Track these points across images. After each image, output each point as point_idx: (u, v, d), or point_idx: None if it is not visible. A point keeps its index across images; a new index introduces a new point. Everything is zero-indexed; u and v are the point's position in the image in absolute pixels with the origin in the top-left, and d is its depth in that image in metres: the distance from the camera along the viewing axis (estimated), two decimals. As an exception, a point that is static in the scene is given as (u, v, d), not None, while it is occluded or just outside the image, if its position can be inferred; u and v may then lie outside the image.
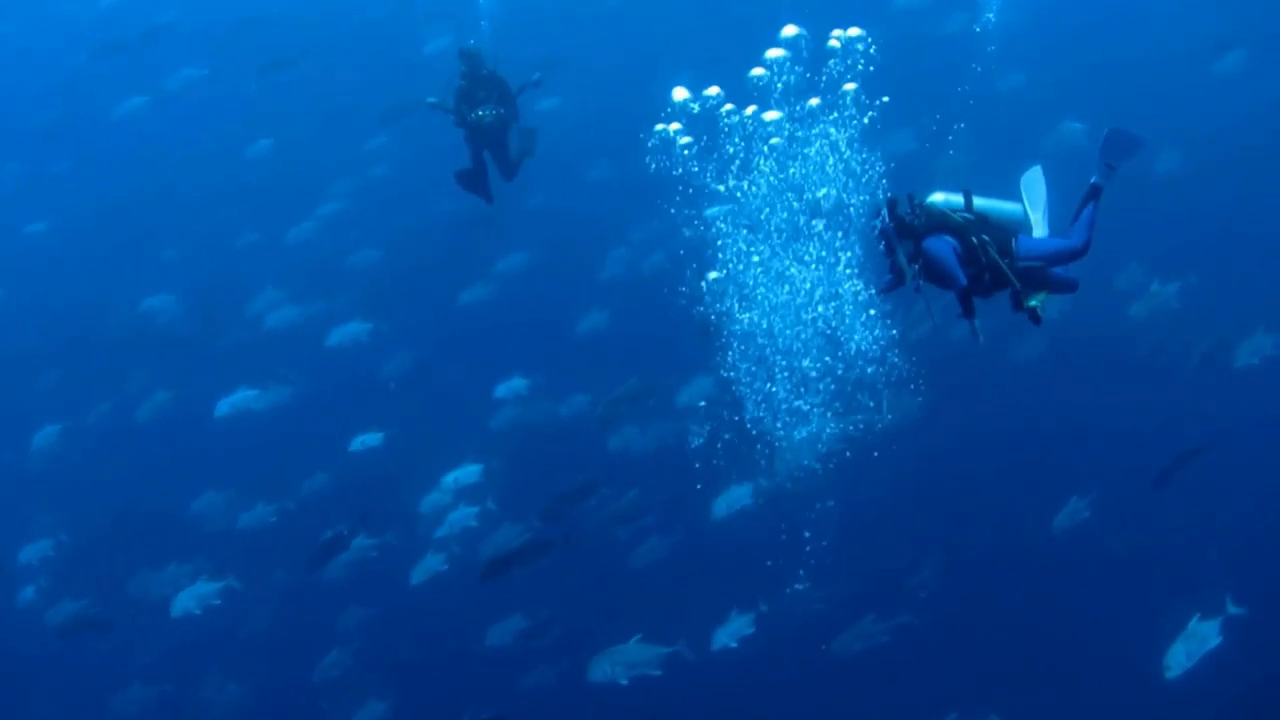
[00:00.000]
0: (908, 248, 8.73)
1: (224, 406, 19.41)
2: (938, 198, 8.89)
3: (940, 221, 8.74)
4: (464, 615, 17.22)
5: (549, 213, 23.58)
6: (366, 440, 19.25)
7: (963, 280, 8.48)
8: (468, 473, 17.48)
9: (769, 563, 16.09)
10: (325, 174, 24.83)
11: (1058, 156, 17.32)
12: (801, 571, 16.06)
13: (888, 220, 8.77)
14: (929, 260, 8.59)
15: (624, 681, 14.05)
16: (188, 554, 18.16)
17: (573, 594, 17.26)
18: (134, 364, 22.51)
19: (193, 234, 24.27)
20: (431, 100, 14.19)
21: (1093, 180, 9.14)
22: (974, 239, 8.63)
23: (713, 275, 10.72)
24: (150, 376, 21.78)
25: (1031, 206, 9.19)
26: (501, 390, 19.73)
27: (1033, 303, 8.50)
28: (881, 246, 8.84)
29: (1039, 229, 9.08)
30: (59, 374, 23.07)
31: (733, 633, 14.93)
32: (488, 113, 13.92)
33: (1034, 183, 9.31)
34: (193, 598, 16.68)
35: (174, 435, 20.84)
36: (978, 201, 8.89)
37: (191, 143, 26.28)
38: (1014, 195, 9.14)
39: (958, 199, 8.89)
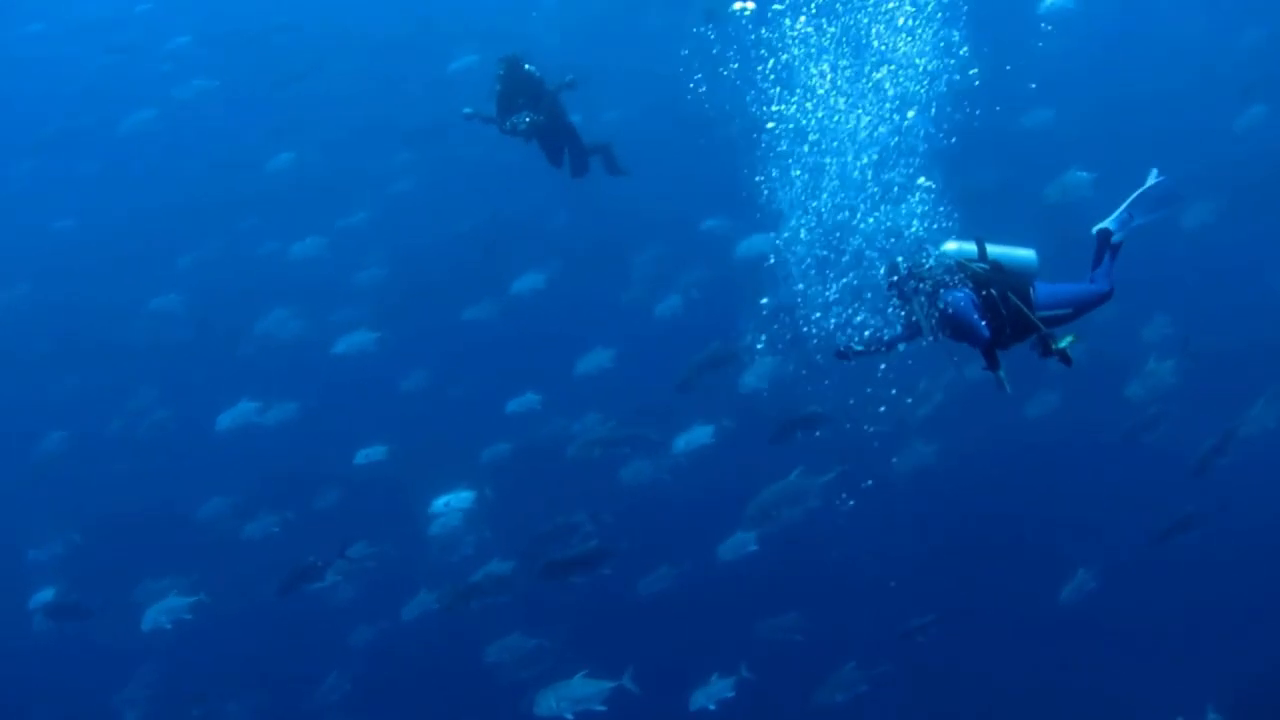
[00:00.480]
0: (922, 301, 8.35)
1: (225, 420, 19.31)
2: (950, 247, 8.52)
3: (958, 272, 8.36)
4: (462, 632, 17.01)
5: (571, 229, 23.60)
6: (371, 454, 19.09)
7: (985, 333, 8.10)
8: (460, 498, 17.29)
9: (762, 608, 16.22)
10: (346, 189, 24.85)
11: (1063, 207, 17.29)
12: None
13: (904, 271, 8.41)
14: (948, 314, 8.21)
15: (569, 717, 14.04)
16: (189, 563, 18.10)
17: (573, 618, 17.10)
18: (146, 369, 22.59)
19: (210, 242, 24.21)
20: (468, 111, 13.75)
21: (1110, 227, 8.89)
22: (993, 290, 8.29)
23: (770, 125, 10.66)
24: (161, 383, 21.90)
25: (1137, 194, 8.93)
26: (514, 405, 19.55)
27: (1062, 344, 8.13)
28: (895, 300, 8.47)
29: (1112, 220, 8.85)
30: (73, 376, 23.16)
31: (712, 695, 14.85)
32: (520, 120, 13.53)
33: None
34: (163, 612, 16.43)
35: (181, 444, 20.81)
36: (991, 249, 8.50)
37: (214, 152, 26.28)
38: (1020, 238, 8.88)
39: (970, 248, 8.51)
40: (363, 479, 19.28)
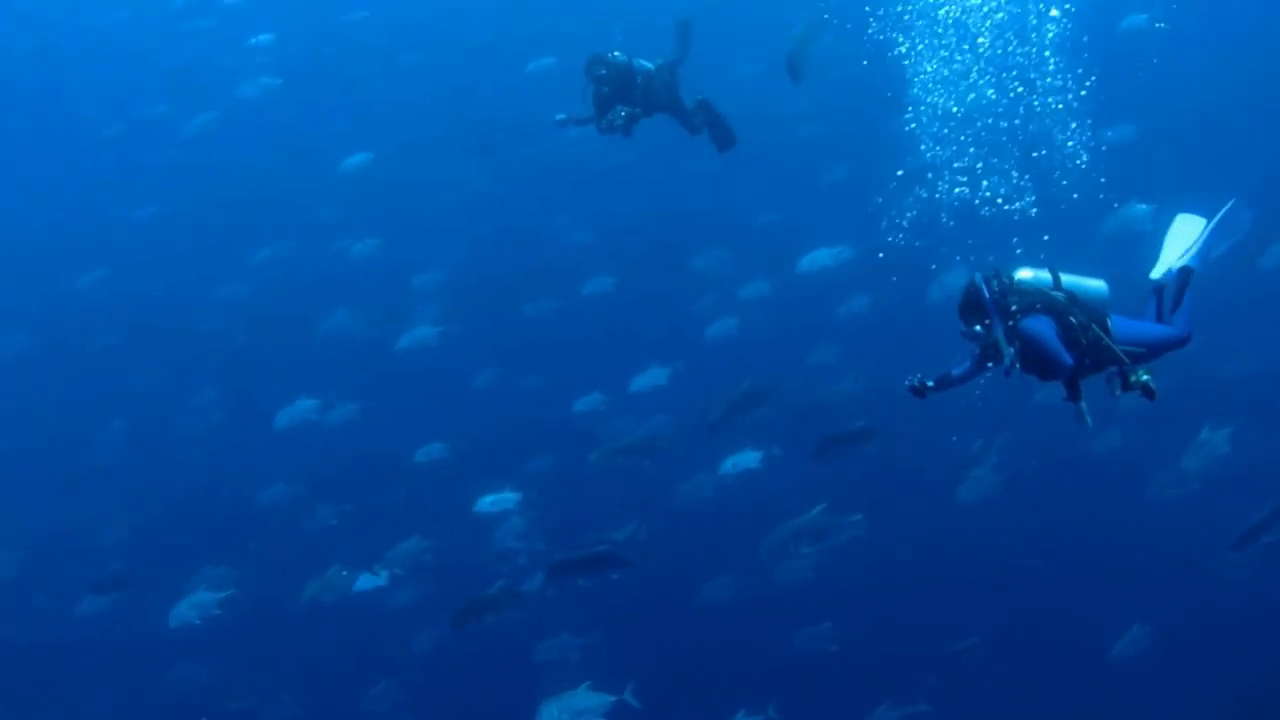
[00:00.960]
0: (1002, 329, 8.11)
1: (283, 418, 19.53)
2: (1025, 274, 8.31)
3: (1036, 300, 8.16)
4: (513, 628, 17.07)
5: (637, 229, 23.61)
6: (431, 451, 19.36)
7: (1069, 362, 7.88)
8: (505, 499, 17.40)
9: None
10: (417, 187, 25.11)
11: (1120, 240, 16.93)
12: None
13: (989, 296, 8.14)
14: (1030, 342, 7.96)
15: None
16: (246, 555, 18.38)
17: (625, 618, 17.21)
18: (212, 362, 23.03)
19: (284, 237, 24.39)
20: (561, 117, 13.47)
21: (1191, 265, 8.66)
22: (1073, 319, 8.07)
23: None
24: (225, 377, 22.36)
25: (1171, 244, 8.77)
26: (580, 405, 19.71)
27: (1144, 377, 7.87)
28: (977, 328, 8.20)
29: (1162, 268, 8.70)
30: (141, 366, 23.54)
31: None
32: (616, 116, 13.10)
33: (1189, 226, 8.84)
34: (192, 607, 16.55)
35: (242, 439, 21.02)
36: (1064, 278, 8.32)
37: (289, 148, 26.56)
38: (1088, 266, 8.67)
39: (1045, 275, 8.33)
40: (423, 475, 19.45)
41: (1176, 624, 16.10)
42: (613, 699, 14.21)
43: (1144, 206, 17.92)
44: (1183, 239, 8.80)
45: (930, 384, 8.50)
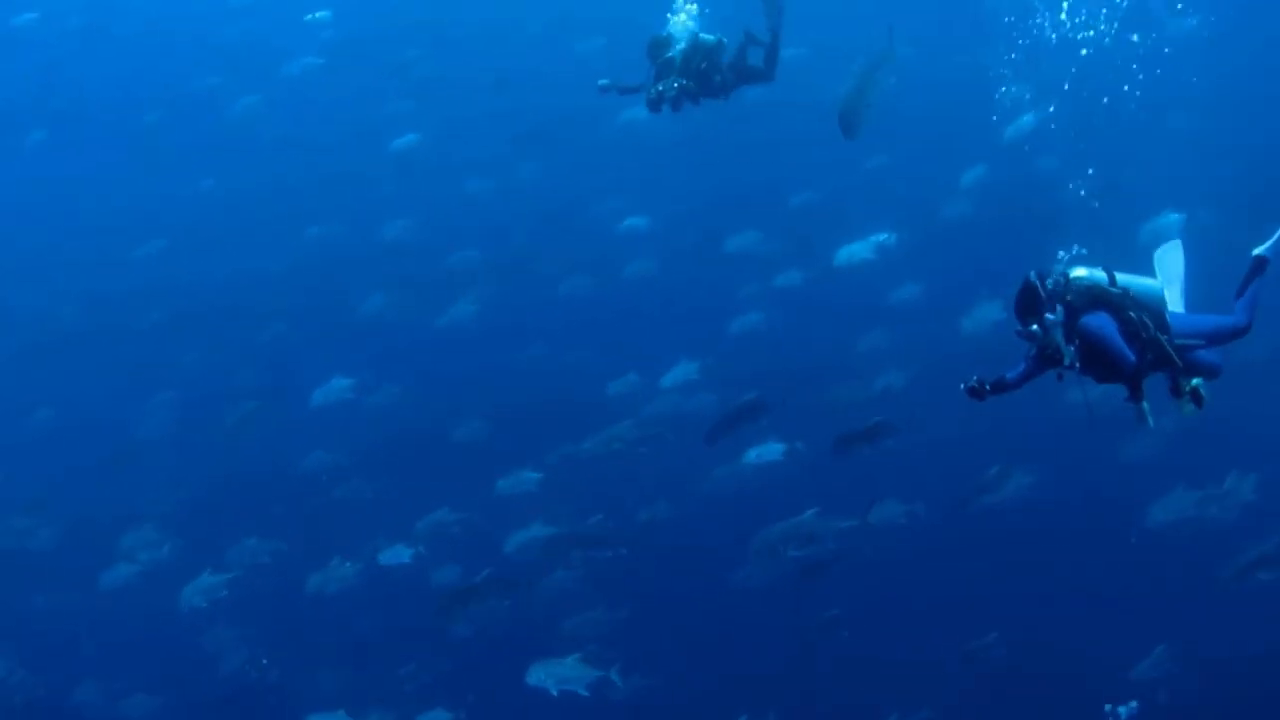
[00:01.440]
0: (1061, 327, 7.85)
1: (318, 396, 19.86)
2: (1080, 273, 8.06)
3: (1095, 297, 7.94)
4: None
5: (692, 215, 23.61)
6: (467, 429, 19.78)
7: (1133, 359, 7.72)
8: (525, 479, 17.77)
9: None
10: (465, 172, 25.24)
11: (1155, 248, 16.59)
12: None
13: (1046, 291, 7.85)
14: (1091, 340, 7.75)
15: (554, 692, 14.84)
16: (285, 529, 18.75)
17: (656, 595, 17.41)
18: (255, 341, 23.34)
19: (338, 215, 24.68)
20: (604, 82, 13.21)
21: (1259, 252, 8.39)
22: (1133, 315, 7.88)
23: None
24: (268, 355, 22.76)
25: (1167, 283, 8.50)
26: (615, 386, 19.89)
27: (1195, 382, 7.85)
28: (1034, 327, 7.87)
29: (1174, 307, 8.37)
30: (183, 343, 23.87)
31: None
32: (669, 87, 12.70)
33: (1170, 258, 8.60)
34: (198, 592, 17.01)
35: (282, 416, 21.23)
36: (1119, 277, 8.10)
37: (335, 131, 26.76)
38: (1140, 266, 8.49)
39: (1100, 274, 8.09)
40: (458, 452, 19.74)
41: (1196, 641, 15.96)
42: (598, 674, 14.80)
43: (1176, 215, 17.63)
44: (1173, 270, 8.62)
45: (988, 386, 8.25)
